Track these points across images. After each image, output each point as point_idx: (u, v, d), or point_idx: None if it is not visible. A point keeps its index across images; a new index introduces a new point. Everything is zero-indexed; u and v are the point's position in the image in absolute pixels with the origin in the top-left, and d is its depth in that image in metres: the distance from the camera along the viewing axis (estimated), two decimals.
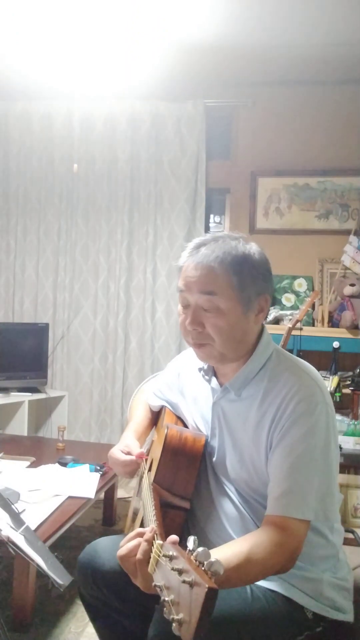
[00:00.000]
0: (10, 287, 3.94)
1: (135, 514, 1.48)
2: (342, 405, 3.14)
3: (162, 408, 1.52)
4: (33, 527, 1.63)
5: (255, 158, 3.67)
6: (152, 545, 0.92)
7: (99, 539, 1.42)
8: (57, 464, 2.36)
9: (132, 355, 3.74)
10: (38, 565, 1.29)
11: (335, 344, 3.10)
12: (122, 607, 1.34)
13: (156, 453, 1.36)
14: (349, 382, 3.08)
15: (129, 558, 0.97)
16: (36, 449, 2.78)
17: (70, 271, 3.83)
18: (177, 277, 1.23)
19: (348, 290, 3.20)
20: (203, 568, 0.76)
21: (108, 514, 2.71)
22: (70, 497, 2.01)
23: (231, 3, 2.63)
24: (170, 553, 0.83)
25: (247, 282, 1.15)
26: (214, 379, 1.29)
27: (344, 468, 2.63)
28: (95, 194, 3.79)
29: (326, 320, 3.30)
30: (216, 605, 1.07)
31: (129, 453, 1.36)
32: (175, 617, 0.75)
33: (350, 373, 3.11)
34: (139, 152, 3.71)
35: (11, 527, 1.37)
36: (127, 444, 1.39)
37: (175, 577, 0.78)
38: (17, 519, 1.43)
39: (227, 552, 1.00)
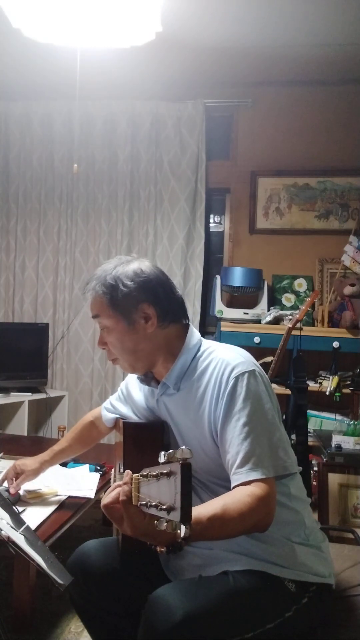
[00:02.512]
0: (10, 287, 3.94)
1: None
2: (342, 405, 3.14)
3: (116, 421, 1.60)
4: (33, 527, 1.63)
5: (255, 158, 3.67)
6: (131, 485, 1.00)
7: (86, 542, 1.44)
8: (57, 464, 2.36)
9: None
10: (38, 565, 1.29)
11: (335, 344, 3.10)
12: (113, 607, 1.35)
13: (119, 454, 1.43)
14: (349, 382, 3.08)
15: (114, 505, 1.04)
16: (36, 449, 2.76)
17: (70, 271, 3.83)
18: None
19: (348, 290, 3.20)
20: (174, 460, 0.85)
21: None
22: (70, 497, 2.00)
23: (231, 3, 2.63)
24: (146, 472, 0.93)
25: (118, 299, 1.29)
26: (153, 382, 1.39)
27: (344, 468, 2.63)
28: (95, 194, 3.79)
29: (326, 320, 3.30)
30: (199, 598, 1.13)
31: (20, 473, 1.76)
32: (163, 507, 0.83)
33: (350, 373, 3.11)
34: (139, 152, 3.71)
35: (11, 527, 1.37)
36: (25, 464, 1.77)
37: (154, 483, 0.87)
38: (17, 519, 1.43)
39: (204, 505, 1.08)
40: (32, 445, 2.95)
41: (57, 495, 2.00)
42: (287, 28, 2.87)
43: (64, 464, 2.34)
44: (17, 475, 1.78)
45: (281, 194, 3.63)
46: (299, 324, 2.80)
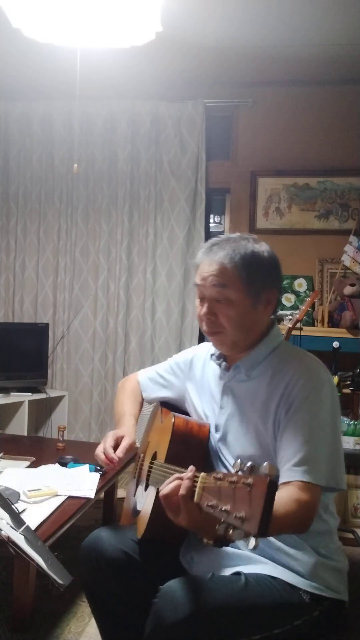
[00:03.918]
0: (10, 287, 3.94)
1: (134, 508, 1.52)
2: (342, 405, 3.12)
3: (161, 407, 1.57)
4: (33, 527, 1.63)
5: (255, 158, 3.67)
6: (194, 482, 1.00)
7: (102, 527, 1.45)
8: (57, 464, 2.36)
9: (132, 355, 3.74)
10: (38, 565, 1.29)
11: (335, 344, 3.10)
12: (123, 594, 1.35)
13: (156, 442, 1.43)
14: (349, 382, 3.08)
15: (172, 497, 1.05)
16: (36, 449, 2.78)
17: (70, 271, 3.83)
18: (194, 274, 1.36)
19: (348, 290, 3.20)
20: (259, 473, 0.85)
21: (108, 514, 2.71)
22: (70, 497, 2.00)
23: (231, 3, 2.63)
24: (220, 475, 0.94)
25: (255, 277, 1.27)
26: (224, 363, 1.38)
27: None
28: (95, 194, 3.79)
29: (326, 320, 3.30)
30: (210, 596, 1.13)
31: (119, 440, 1.42)
32: (238, 515, 0.84)
33: (350, 373, 3.11)
34: (139, 152, 3.72)
35: (11, 527, 1.37)
36: (119, 432, 1.46)
37: (229, 489, 0.88)
38: (17, 519, 1.42)
39: None
40: (32, 445, 2.95)
41: (57, 495, 2.00)
42: (287, 28, 2.87)
43: (64, 464, 2.34)
44: (116, 442, 1.44)
45: (281, 194, 3.63)
46: (299, 324, 2.80)
